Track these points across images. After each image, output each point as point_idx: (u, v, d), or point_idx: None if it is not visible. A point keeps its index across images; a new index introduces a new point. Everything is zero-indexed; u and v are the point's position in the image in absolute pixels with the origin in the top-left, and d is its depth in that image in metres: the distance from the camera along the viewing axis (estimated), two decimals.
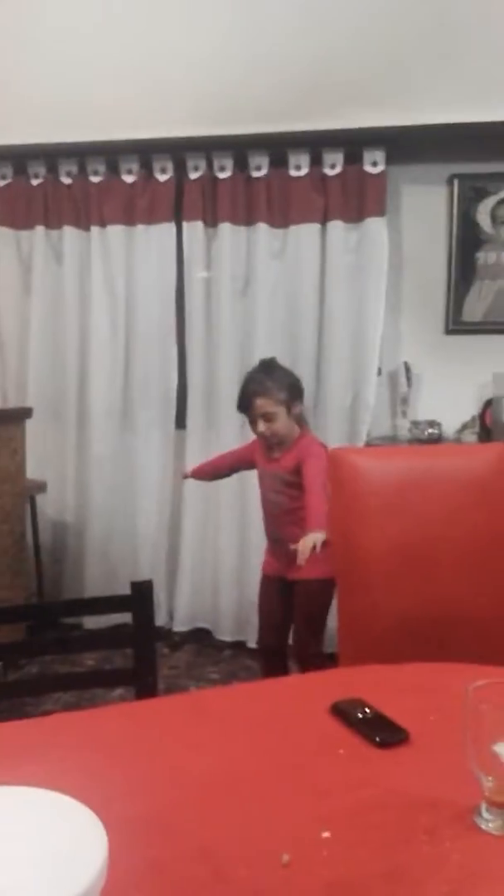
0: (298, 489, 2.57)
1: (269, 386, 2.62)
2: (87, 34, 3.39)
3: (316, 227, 3.49)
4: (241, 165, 3.53)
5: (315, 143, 3.40)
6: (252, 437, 2.79)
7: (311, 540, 2.36)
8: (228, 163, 3.53)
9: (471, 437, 3.46)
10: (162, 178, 3.61)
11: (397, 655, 1.39)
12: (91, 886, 0.66)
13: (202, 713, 1.26)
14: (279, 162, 3.48)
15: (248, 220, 3.56)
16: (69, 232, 3.73)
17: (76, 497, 3.85)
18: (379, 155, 3.40)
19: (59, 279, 3.78)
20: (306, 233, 3.49)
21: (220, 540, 3.67)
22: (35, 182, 3.74)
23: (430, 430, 3.46)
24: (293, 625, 2.76)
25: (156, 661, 1.58)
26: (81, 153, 3.62)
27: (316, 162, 3.46)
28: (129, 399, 3.77)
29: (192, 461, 3.54)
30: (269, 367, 2.72)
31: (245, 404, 2.66)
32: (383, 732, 1.12)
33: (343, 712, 1.18)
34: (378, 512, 1.78)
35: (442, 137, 3.32)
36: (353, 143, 3.38)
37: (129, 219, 3.67)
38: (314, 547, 2.35)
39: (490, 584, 1.73)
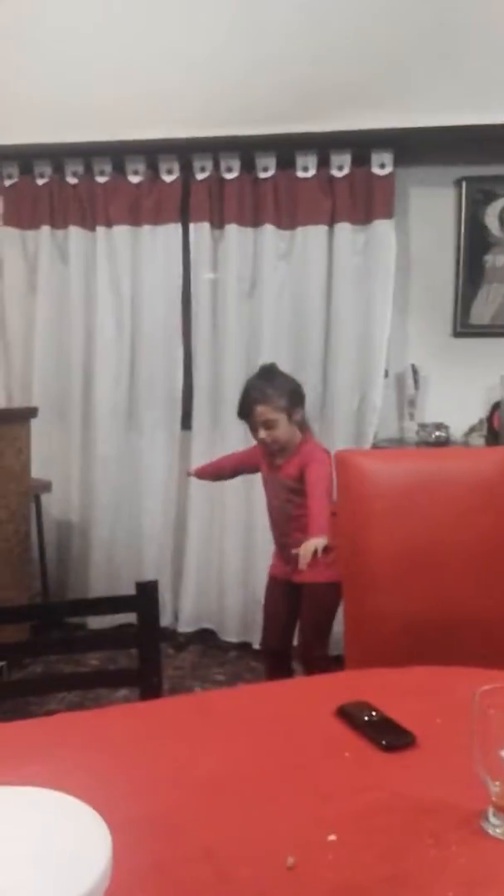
0: (303, 496, 2.56)
1: (269, 393, 2.61)
2: (89, 34, 3.40)
3: (323, 228, 3.48)
4: (249, 166, 3.53)
5: (323, 144, 3.40)
6: None
7: (311, 545, 2.36)
8: (235, 164, 3.52)
9: (478, 439, 3.45)
10: (168, 178, 3.61)
11: (404, 658, 1.38)
12: (95, 887, 0.65)
13: (207, 714, 1.26)
14: (286, 163, 3.48)
15: (255, 222, 3.56)
16: (75, 232, 3.73)
17: (81, 497, 3.85)
18: (387, 157, 3.40)
19: (64, 279, 3.78)
20: (313, 234, 3.48)
21: (225, 540, 3.67)
22: (41, 182, 3.74)
23: (438, 433, 3.45)
24: (299, 627, 2.75)
25: (160, 661, 1.57)
26: (87, 153, 3.63)
27: (323, 163, 3.45)
28: (135, 399, 3.77)
29: (198, 461, 3.54)
30: (269, 374, 2.70)
31: (245, 412, 2.65)
32: (389, 736, 1.12)
33: (349, 715, 1.18)
34: (384, 514, 1.77)
35: (450, 140, 3.31)
36: (361, 144, 3.38)
37: (136, 219, 3.67)
38: (315, 552, 2.35)
39: (497, 587, 1.72)
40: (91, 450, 3.80)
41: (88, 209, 3.72)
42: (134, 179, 3.65)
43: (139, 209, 3.66)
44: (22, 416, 3.27)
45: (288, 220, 3.54)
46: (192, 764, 1.08)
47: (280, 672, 2.81)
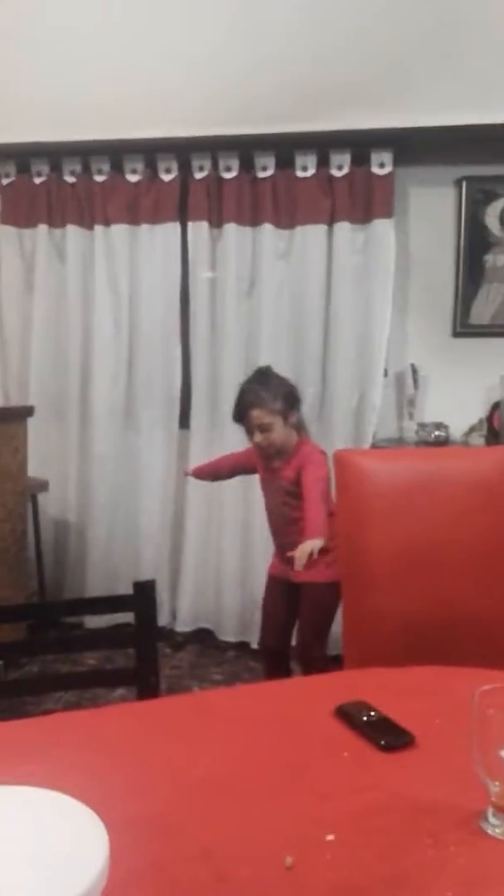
0: (300, 498, 2.57)
1: (264, 396, 2.60)
2: (88, 33, 3.39)
3: (322, 228, 3.48)
4: (247, 166, 3.53)
5: (322, 143, 3.40)
6: None
7: (307, 547, 2.36)
8: (234, 163, 3.52)
9: (478, 439, 3.45)
10: (167, 177, 3.61)
11: (403, 658, 1.38)
12: (92, 887, 0.65)
13: (205, 714, 1.25)
14: (285, 162, 3.48)
15: (254, 221, 3.56)
16: (72, 231, 3.72)
17: (78, 496, 3.84)
18: (386, 156, 3.39)
19: (62, 278, 3.77)
20: (313, 234, 3.48)
21: (223, 540, 3.66)
22: (38, 180, 3.73)
23: (437, 433, 3.45)
24: (297, 627, 2.75)
25: (158, 661, 1.57)
26: (86, 152, 3.62)
27: (323, 163, 3.45)
28: (133, 398, 3.77)
29: (196, 461, 3.53)
30: (263, 377, 2.69)
31: (240, 415, 2.64)
32: (388, 736, 1.11)
33: (347, 715, 1.17)
34: (384, 514, 1.76)
35: (450, 139, 3.31)
36: (361, 144, 3.38)
37: (134, 218, 3.66)
38: (311, 554, 2.35)
39: (497, 587, 1.72)
40: (88, 449, 3.80)
41: (86, 208, 3.71)
42: (132, 178, 3.64)
43: (137, 208, 3.65)
44: (19, 415, 3.26)
45: (287, 219, 3.53)
46: (189, 764, 1.07)
47: (278, 672, 2.80)
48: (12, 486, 3.16)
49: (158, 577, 3.45)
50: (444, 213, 3.57)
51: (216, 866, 0.85)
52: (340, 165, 3.43)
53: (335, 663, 2.38)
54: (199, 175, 3.57)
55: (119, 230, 3.66)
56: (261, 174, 3.51)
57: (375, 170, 3.41)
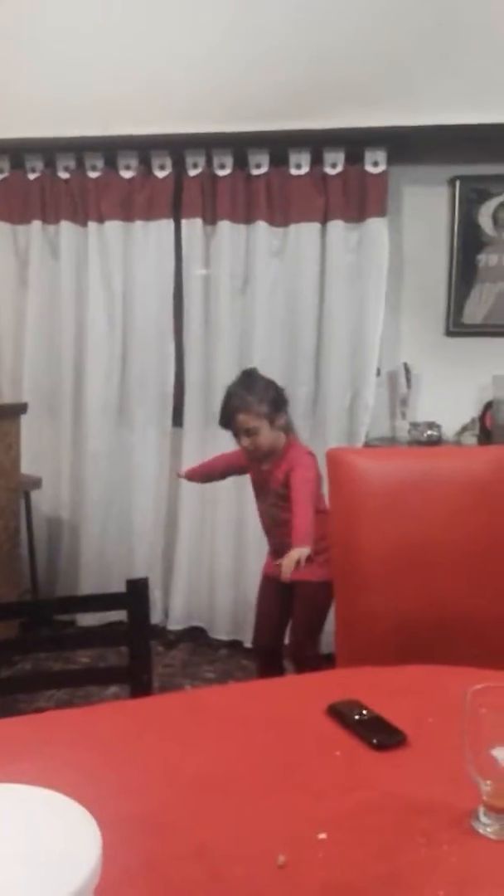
0: (290, 501, 2.56)
1: (249, 401, 2.59)
2: (84, 31, 3.38)
3: (316, 226, 3.48)
4: (241, 163, 3.52)
5: (316, 141, 3.39)
6: None
7: (294, 556, 2.37)
8: (228, 160, 3.51)
9: (470, 439, 3.45)
10: (161, 174, 3.60)
11: (395, 657, 1.38)
12: (85, 885, 0.65)
13: (197, 712, 1.25)
14: (279, 160, 3.47)
15: (248, 219, 3.55)
16: (66, 227, 3.71)
17: (71, 493, 3.84)
18: (380, 155, 3.39)
19: (55, 274, 3.76)
20: (306, 232, 3.48)
21: (216, 538, 3.66)
22: (32, 176, 3.72)
23: (430, 432, 3.45)
24: (291, 626, 2.75)
25: (151, 659, 1.57)
26: (79, 148, 3.61)
27: (317, 161, 3.44)
28: (126, 396, 3.76)
29: (189, 459, 3.53)
30: (249, 380, 2.68)
31: (227, 420, 2.64)
32: (380, 734, 1.12)
33: (340, 714, 1.17)
34: (376, 513, 1.77)
35: (444, 138, 3.31)
36: (355, 142, 3.37)
37: (128, 215, 3.66)
38: (298, 562, 2.35)
39: (489, 586, 1.72)
40: (82, 446, 3.79)
41: (80, 204, 3.70)
42: (126, 175, 3.63)
43: (131, 205, 3.64)
44: (12, 412, 3.26)
45: (281, 217, 3.53)
46: (182, 762, 1.07)
47: (271, 670, 2.80)
48: (5, 483, 3.15)
49: (151, 575, 3.43)
50: (437, 213, 3.57)
51: (209, 864, 0.85)
52: (334, 164, 3.43)
53: (328, 662, 2.39)
54: (193, 172, 3.56)
55: (113, 227, 3.66)
56: (255, 172, 3.50)
57: (369, 168, 3.41)
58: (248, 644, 3.46)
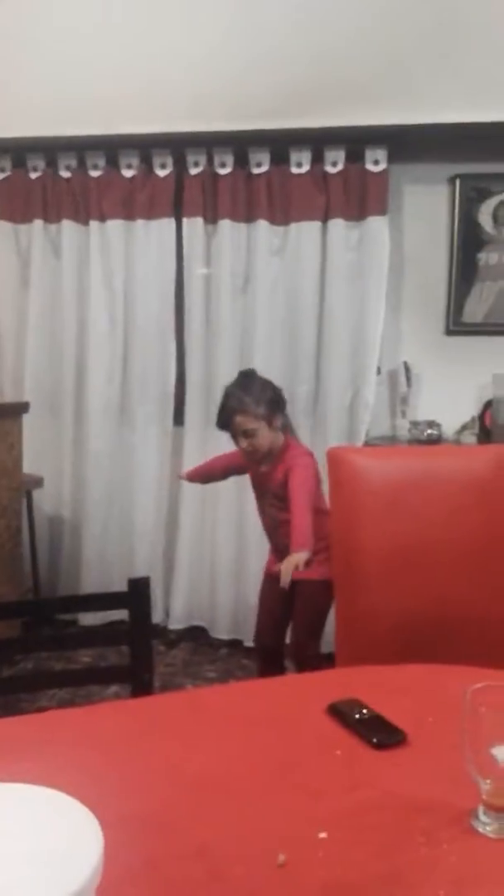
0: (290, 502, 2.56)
1: (247, 402, 2.58)
2: (85, 30, 3.38)
3: (317, 224, 3.48)
4: (242, 162, 3.52)
5: (317, 140, 3.39)
6: None
7: (293, 562, 2.37)
8: (229, 159, 3.51)
9: (470, 438, 3.45)
10: (162, 173, 3.60)
11: (395, 656, 1.39)
12: (86, 884, 0.65)
13: (199, 711, 1.26)
14: (280, 159, 3.47)
15: (249, 217, 3.55)
16: (68, 226, 3.71)
17: (73, 493, 3.84)
18: (381, 153, 3.39)
19: (57, 273, 3.77)
20: (307, 230, 3.48)
21: (217, 537, 3.67)
22: (34, 175, 3.72)
23: (430, 431, 3.45)
24: (292, 625, 2.76)
25: (152, 658, 1.57)
26: (81, 147, 3.61)
27: (317, 159, 3.44)
28: (127, 395, 3.76)
29: (190, 458, 3.54)
30: (246, 382, 2.68)
31: (224, 422, 2.63)
32: (381, 734, 1.12)
33: (340, 713, 1.18)
34: (376, 512, 1.77)
35: (444, 137, 3.31)
36: (355, 140, 3.37)
37: (129, 214, 3.66)
38: (297, 567, 2.35)
39: (489, 585, 1.73)
40: (83, 445, 3.79)
41: (81, 203, 3.70)
42: (127, 174, 3.64)
43: (132, 203, 3.65)
44: (14, 411, 3.26)
45: (281, 215, 3.53)
46: (183, 761, 1.08)
47: (273, 669, 2.81)
48: (7, 483, 3.16)
49: (152, 575, 3.41)
50: (437, 211, 3.57)
51: (210, 864, 0.85)
52: (335, 162, 3.43)
53: (329, 661, 2.39)
54: (194, 171, 3.56)
55: (114, 226, 3.66)
56: (255, 170, 3.50)
57: (370, 167, 3.41)
58: (248, 643, 3.46)
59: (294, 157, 3.45)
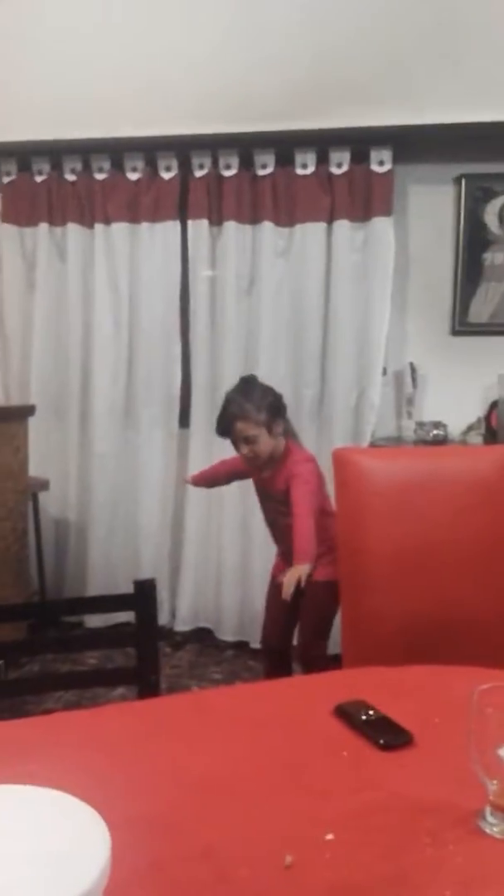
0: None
1: (247, 409, 2.57)
2: (88, 32, 3.40)
3: (322, 226, 3.48)
4: (247, 164, 3.52)
5: (321, 141, 3.39)
6: None
7: (295, 575, 2.36)
8: (234, 161, 3.52)
9: (476, 438, 3.45)
10: (167, 175, 3.61)
11: (401, 657, 1.39)
12: (94, 886, 0.65)
13: (205, 713, 1.26)
14: (285, 160, 3.48)
15: (254, 219, 3.56)
16: (73, 229, 3.72)
17: (78, 495, 3.85)
18: (386, 154, 3.39)
19: (62, 276, 3.77)
20: (312, 232, 3.48)
21: (223, 539, 3.67)
22: (39, 179, 3.73)
23: (436, 432, 3.45)
24: (299, 626, 2.75)
25: (158, 660, 1.57)
26: (86, 150, 3.62)
27: (322, 160, 3.45)
28: (133, 397, 3.77)
29: (195, 460, 3.54)
30: (246, 388, 2.67)
31: (225, 428, 2.63)
32: (387, 735, 1.12)
33: (347, 714, 1.18)
34: (382, 513, 1.77)
35: (449, 137, 3.31)
36: (360, 141, 3.37)
37: (134, 216, 3.66)
38: (299, 581, 2.35)
39: (495, 586, 1.73)
40: (89, 448, 3.80)
41: (87, 206, 3.71)
42: (132, 177, 3.64)
43: (138, 206, 3.65)
44: (20, 414, 3.26)
45: (286, 217, 3.53)
46: (190, 763, 1.08)
47: (279, 671, 2.81)
48: (13, 485, 3.16)
49: (158, 577, 3.45)
50: (443, 211, 3.57)
51: (216, 865, 0.85)
52: (340, 163, 3.43)
53: (336, 662, 2.39)
54: (199, 173, 3.57)
55: (119, 228, 3.66)
56: (260, 172, 3.51)
57: (375, 167, 3.41)
58: (254, 645, 3.46)
59: (299, 158, 3.45)
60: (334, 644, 2.66)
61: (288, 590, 2.35)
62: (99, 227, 3.69)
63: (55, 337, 3.81)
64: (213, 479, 2.97)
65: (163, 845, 0.89)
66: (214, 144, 3.49)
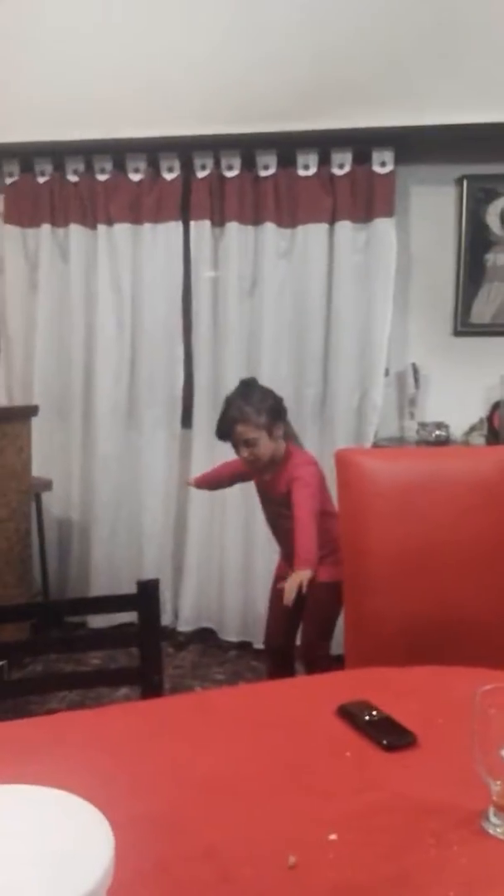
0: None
1: (247, 412, 2.57)
2: (89, 33, 3.40)
3: (324, 227, 3.48)
4: (249, 164, 3.53)
5: (323, 142, 3.40)
6: None
7: (296, 580, 2.36)
8: (236, 162, 3.52)
9: (478, 439, 3.45)
10: (169, 176, 3.61)
11: (404, 658, 1.39)
12: (98, 885, 0.65)
13: (208, 713, 1.26)
14: (287, 161, 3.48)
15: (256, 220, 3.56)
16: (76, 230, 3.72)
17: (81, 495, 3.85)
18: (388, 155, 3.39)
19: (65, 277, 3.78)
20: (314, 233, 3.48)
21: (225, 539, 3.67)
22: (42, 180, 3.73)
23: (438, 432, 3.45)
24: (302, 627, 2.75)
25: (161, 660, 1.57)
26: (88, 151, 3.62)
27: (324, 161, 3.45)
28: (135, 398, 3.77)
29: (198, 460, 3.55)
30: (246, 391, 2.67)
31: (225, 432, 2.63)
32: (390, 735, 1.12)
33: (350, 714, 1.18)
34: (384, 514, 1.77)
35: (451, 138, 3.31)
36: (362, 142, 3.38)
37: (136, 217, 3.67)
38: (300, 587, 2.34)
39: (497, 587, 1.72)
40: (91, 448, 3.80)
41: (89, 207, 3.71)
42: (135, 177, 3.65)
43: (140, 207, 3.65)
44: (23, 415, 3.27)
45: (289, 218, 3.53)
46: (193, 763, 1.08)
47: (282, 671, 2.81)
48: (16, 486, 3.17)
49: (161, 577, 3.43)
50: (445, 212, 3.57)
51: (220, 866, 0.85)
52: (342, 164, 3.43)
53: (339, 663, 2.39)
54: (201, 174, 3.57)
55: (122, 229, 3.67)
56: (262, 173, 3.51)
57: (377, 168, 3.41)
58: (257, 645, 3.46)
59: (301, 159, 3.45)
60: (337, 644, 2.66)
61: (289, 596, 2.35)
62: (101, 227, 3.69)
63: (58, 337, 3.82)
64: (215, 481, 2.98)
65: (166, 845, 0.89)
66: (216, 145, 3.49)
